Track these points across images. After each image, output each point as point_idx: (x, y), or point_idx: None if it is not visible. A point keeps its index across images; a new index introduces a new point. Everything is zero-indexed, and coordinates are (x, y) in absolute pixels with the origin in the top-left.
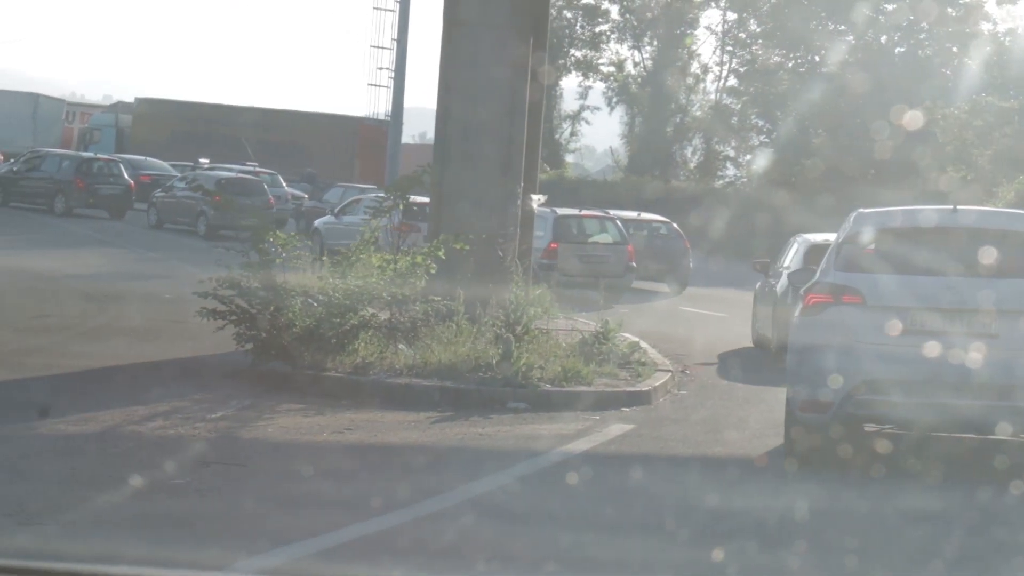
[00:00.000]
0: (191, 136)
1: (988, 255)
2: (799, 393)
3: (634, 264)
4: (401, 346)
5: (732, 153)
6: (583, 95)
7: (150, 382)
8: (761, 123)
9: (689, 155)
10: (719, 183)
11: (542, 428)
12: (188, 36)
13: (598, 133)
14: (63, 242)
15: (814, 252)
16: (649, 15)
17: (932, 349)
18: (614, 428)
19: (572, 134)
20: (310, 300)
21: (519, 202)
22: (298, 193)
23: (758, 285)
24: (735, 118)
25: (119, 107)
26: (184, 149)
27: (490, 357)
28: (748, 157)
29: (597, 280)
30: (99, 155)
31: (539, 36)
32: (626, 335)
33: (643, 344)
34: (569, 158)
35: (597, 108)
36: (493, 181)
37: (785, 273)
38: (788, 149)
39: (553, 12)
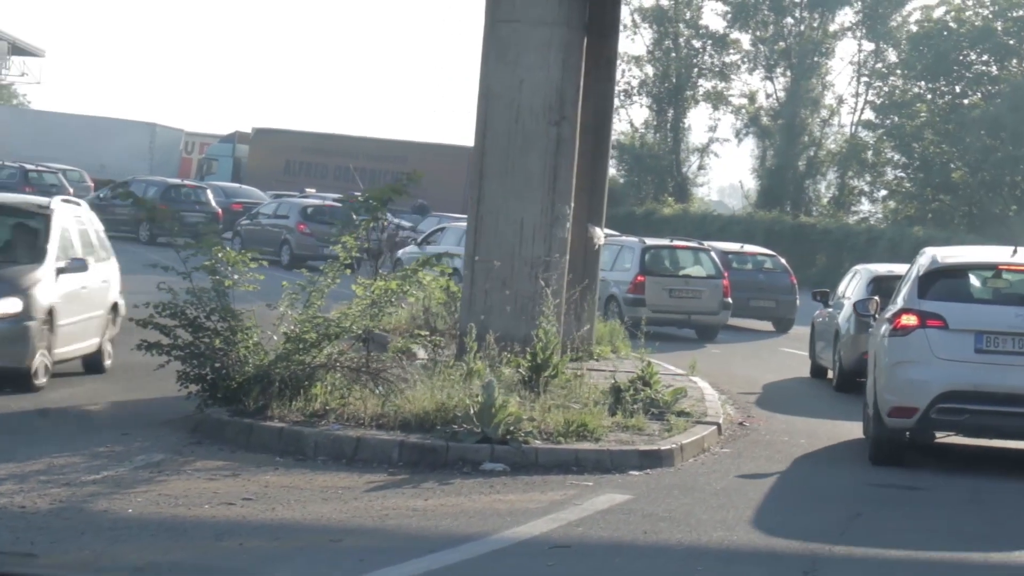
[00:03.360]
0: (305, 166)
1: None
2: (888, 401)
3: (730, 300)
4: (379, 389)
5: (867, 188)
6: (713, 128)
7: (67, 430)
8: (898, 157)
9: (823, 190)
10: (853, 219)
11: (506, 500)
12: (310, 65)
13: (741, 171)
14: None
15: (877, 282)
16: (782, 44)
17: (1004, 365)
18: (601, 499)
19: (700, 167)
20: (268, 333)
21: (568, 225)
22: (404, 224)
23: (816, 314)
24: (870, 152)
25: (236, 137)
26: (298, 179)
27: (467, 407)
28: (883, 192)
29: (688, 317)
30: (186, 182)
31: (602, 37)
32: (695, 380)
33: (706, 390)
34: (713, 195)
35: (726, 140)
36: (536, 200)
37: (847, 303)
38: (926, 184)
39: (681, 41)
